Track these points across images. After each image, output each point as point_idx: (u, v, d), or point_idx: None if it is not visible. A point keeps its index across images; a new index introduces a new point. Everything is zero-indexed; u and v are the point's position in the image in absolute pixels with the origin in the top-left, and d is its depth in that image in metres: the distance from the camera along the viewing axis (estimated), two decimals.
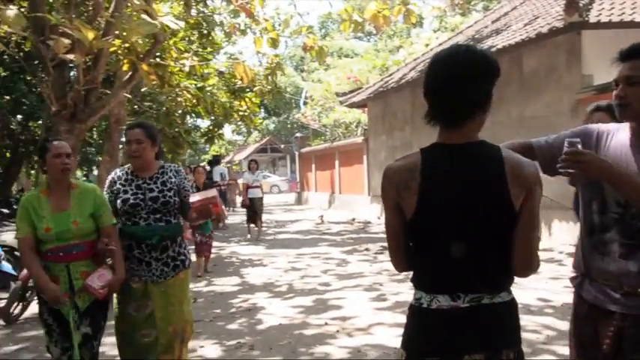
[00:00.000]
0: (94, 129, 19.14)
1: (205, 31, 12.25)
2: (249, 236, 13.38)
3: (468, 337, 1.72)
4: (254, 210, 13.05)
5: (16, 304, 6.29)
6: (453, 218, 1.72)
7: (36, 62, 12.85)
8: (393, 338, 5.16)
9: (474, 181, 1.71)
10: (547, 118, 10.17)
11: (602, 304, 2.13)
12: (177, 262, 3.59)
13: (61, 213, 3.27)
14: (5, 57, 15.55)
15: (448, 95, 1.73)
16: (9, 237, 7.73)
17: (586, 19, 9.21)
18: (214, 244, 12.70)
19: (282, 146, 41.72)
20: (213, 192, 3.83)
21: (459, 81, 1.71)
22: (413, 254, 1.84)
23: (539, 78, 10.44)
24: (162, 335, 3.52)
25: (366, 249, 10.67)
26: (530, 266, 1.77)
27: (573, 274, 2.34)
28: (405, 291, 7.03)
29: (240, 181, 19.65)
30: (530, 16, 11.94)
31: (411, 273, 1.87)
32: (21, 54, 11.87)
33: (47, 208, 3.26)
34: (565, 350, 3.27)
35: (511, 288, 1.81)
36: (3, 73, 16.59)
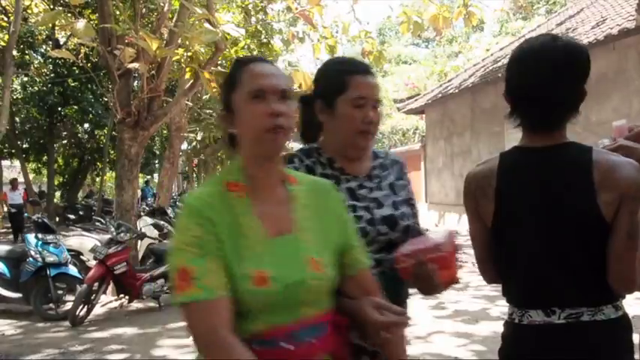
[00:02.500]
0: (156, 137, 19.74)
1: (265, 39, 12.43)
2: None
3: (563, 357, 1.54)
4: None
5: (81, 306, 6.53)
6: (534, 227, 1.57)
7: (102, 72, 13.41)
8: (453, 347, 5.08)
9: (555, 188, 1.54)
10: None
11: None
12: None
13: (281, 238, 1.36)
14: (74, 68, 16.29)
15: (542, 96, 1.56)
16: (75, 241, 8.06)
17: None
18: None
19: None
20: (439, 238, 1.65)
21: (554, 79, 1.54)
22: (500, 266, 1.70)
23: (606, 81, 10.10)
24: None
25: None
26: (626, 284, 1.52)
27: None
28: (465, 300, 6.91)
29: None
30: (598, 17, 11.57)
31: (482, 283, 1.72)
32: (89, 65, 12.40)
33: (255, 226, 1.33)
34: None
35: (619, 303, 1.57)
36: (72, 84, 17.31)
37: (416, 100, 19.16)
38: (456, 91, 15.44)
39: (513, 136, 1.70)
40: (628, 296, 1.62)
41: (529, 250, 1.59)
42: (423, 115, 19.86)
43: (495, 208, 1.63)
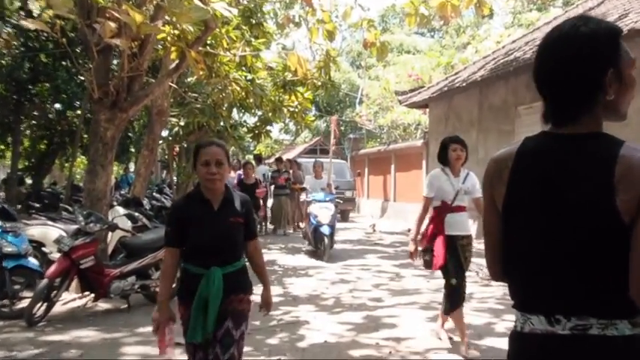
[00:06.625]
0: (135, 121, 19.55)
1: (255, 21, 12.30)
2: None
3: None
4: (460, 277, 5.37)
5: (40, 303, 6.36)
6: (542, 220, 1.53)
7: (79, 48, 13.20)
8: None
9: (572, 179, 1.50)
10: None
11: None
12: None
13: None
14: (48, 42, 16.06)
15: (555, 82, 1.59)
16: (38, 231, 7.88)
17: None
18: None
19: (331, 150, 41.73)
20: None
21: (563, 64, 1.56)
22: (507, 262, 1.67)
23: None
24: None
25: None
26: None
27: None
28: (467, 313, 6.80)
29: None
30: (621, 10, 11.50)
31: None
32: (64, 39, 12.19)
33: None
34: None
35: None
36: (45, 59, 17.08)
37: (419, 93, 19.07)
38: (463, 84, 15.35)
39: (525, 136, 1.69)
40: None
41: (534, 246, 1.54)
42: (427, 110, 19.79)
43: (506, 194, 1.61)
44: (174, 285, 3.54)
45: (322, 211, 11.21)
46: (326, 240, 11.05)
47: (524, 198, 1.58)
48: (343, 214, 19.36)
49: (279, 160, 17.97)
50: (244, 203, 3.46)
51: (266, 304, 3.67)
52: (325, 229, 11.05)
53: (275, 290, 8.31)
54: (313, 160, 14.75)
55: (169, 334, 3.33)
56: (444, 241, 5.27)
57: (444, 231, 5.32)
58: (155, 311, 3.39)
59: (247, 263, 3.51)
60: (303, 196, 13.23)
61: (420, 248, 5.52)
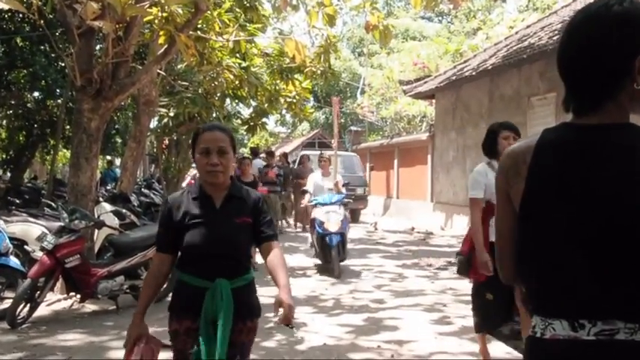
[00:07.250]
0: (121, 112, 19.56)
1: (249, 4, 12.35)
2: None
3: None
4: (499, 292, 4.74)
5: (23, 304, 6.47)
6: (566, 217, 1.52)
7: (58, 31, 13.21)
8: None
9: (599, 173, 1.50)
10: None
11: None
12: None
13: None
14: (24, 24, 16.07)
15: (578, 67, 1.58)
16: (19, 228, 7.97)
17: None
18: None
19: (333, 141, 41.71)
20: None
21: (588, 46, 1.54)
22: (522, 263, 1.66)
23: None
24: None
25: (429, 264, 10.59)
26: None
27: None
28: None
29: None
30: None
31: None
32: (42, 21, 12.26)
33: None
34: None
35: None
36: (21, 44, 17.07)
37: (425, 82, 19.18)
38: (473, 73, 15.46)
39: (538, 129, 1.68)
40: None
41: (555, 244, 1.54)
42: (433, 101, 19.90)
43: (525, 190, 1.60)
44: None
45: (329, 217, 9.91)
46: (334, 252, 9.67)
47: (544, 194, 1.56)
48: (353, 215, 18.05)
49: (269, 153, 17.63)
50: (254, 200, 3.08)
51: (286, 311, 2.92)
52: (333, 239, 9.72)
53: (271, 290, 8.41)
54: (318, 152, 14.00)
55: (137, 354, 2.92)
56: (487, 248, 4.66)
57: (488, 237, 4.71)
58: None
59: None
60: (305, 200, 11.41)
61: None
